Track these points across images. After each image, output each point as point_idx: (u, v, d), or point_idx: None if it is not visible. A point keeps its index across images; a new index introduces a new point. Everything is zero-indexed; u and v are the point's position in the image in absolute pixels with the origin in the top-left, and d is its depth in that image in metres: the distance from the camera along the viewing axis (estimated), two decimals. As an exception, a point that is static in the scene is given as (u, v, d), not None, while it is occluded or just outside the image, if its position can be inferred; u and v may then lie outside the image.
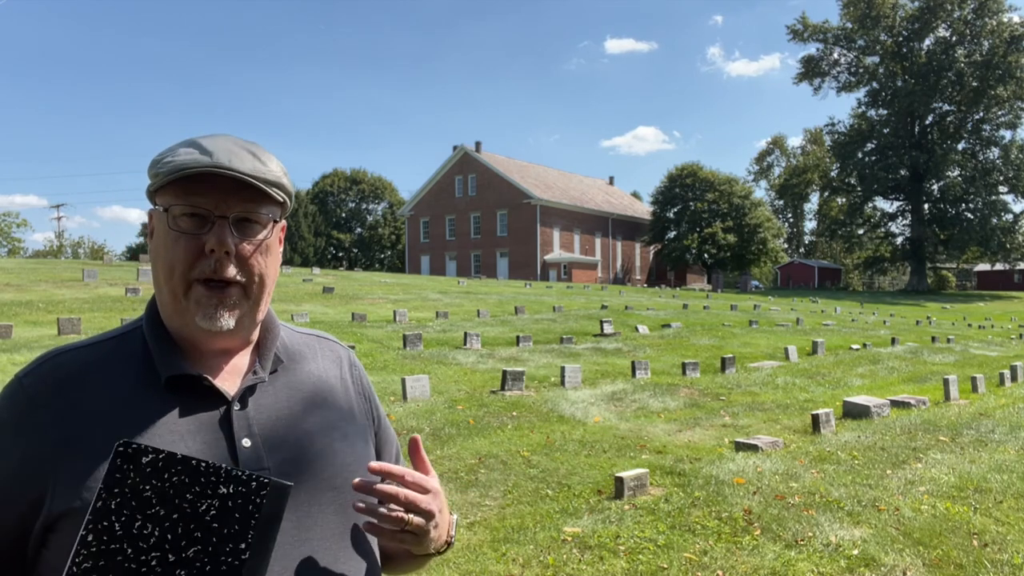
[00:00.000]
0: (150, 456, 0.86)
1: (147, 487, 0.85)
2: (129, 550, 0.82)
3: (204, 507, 0.84)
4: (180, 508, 0.84)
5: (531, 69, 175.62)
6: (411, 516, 1.01)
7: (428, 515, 1.03)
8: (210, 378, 1.05)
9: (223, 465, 0.87)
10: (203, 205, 1.01)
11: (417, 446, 1.09)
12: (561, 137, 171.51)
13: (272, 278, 1.09)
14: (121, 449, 0.86)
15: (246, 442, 1.02)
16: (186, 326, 1.05)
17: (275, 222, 1.08)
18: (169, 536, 0.83)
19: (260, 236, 1.05)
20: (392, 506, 1.00)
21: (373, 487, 1.00)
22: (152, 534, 0.83)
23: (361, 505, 1.00)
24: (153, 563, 0.82)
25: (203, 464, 0.86)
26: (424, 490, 1.04)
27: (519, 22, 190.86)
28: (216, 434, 1.02)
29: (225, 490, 0.85)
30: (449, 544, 1.16)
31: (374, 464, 1.01)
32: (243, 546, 0.83)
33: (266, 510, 0.85)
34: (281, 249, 1.14)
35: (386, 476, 1.02)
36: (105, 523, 0.83)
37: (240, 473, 0.86)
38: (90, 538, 0.82)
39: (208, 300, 1.02)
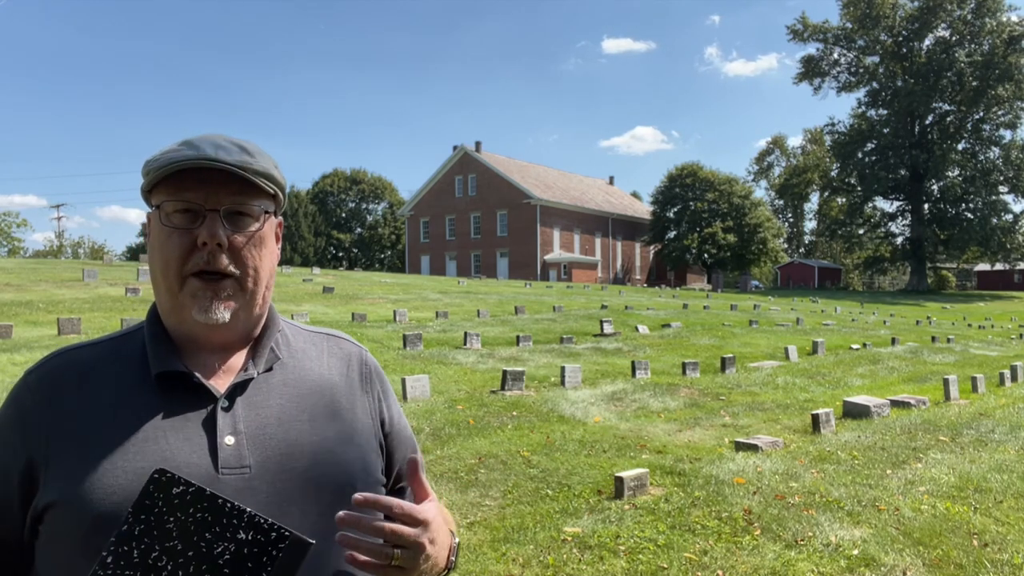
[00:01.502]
0: (181, 488, 0.84)
1: (171, 519, 0.83)
2: None
3: (220, 550, 0.82)
4: (196, 546, 0.83)
5: (529, 69, 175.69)
6: (397, 551, 0.94)
7: (418, 548, 0.95)
8: (200, 375, 1.04)
9: (247, 509, 0.84)
10: (194, 199, 1.02)
11: (415, 469, 1.02)
12: (560, 137, 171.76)
13: (267, 271, 1.09)
14: (156, 476, 0.85)
15: (229, 440, 1.02)
16: (183, 322, 1.06)
17: (267, 214, 1.08)
18: (180, 573, 0.82)
19: (252, 228, 1.06)
20: (377, 540, 0.94)
21: (359, 522, 0.92)
22: (165, 567, 0.82)
23: (348, 535, 0.93)
24: None
25: (228, 504, 0.84)
26: (415, 522, 0.95)
27: (517, 22, 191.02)
28: (199, 431, 1.02)
29: (244, 536, 0.83)
30: (449, 569, 1.08)
31: (359, 496, 0.93)
32: None
33: (281, 563, 0.82)
34: (279, 247, 1.14)
35: (374, 508, 0.94)
36: (125, 548, 0.82)
37: (262, 521, 0.83)
38: (109, 560, 0.82)
39: (203, 292, 1.02)
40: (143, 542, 0.83)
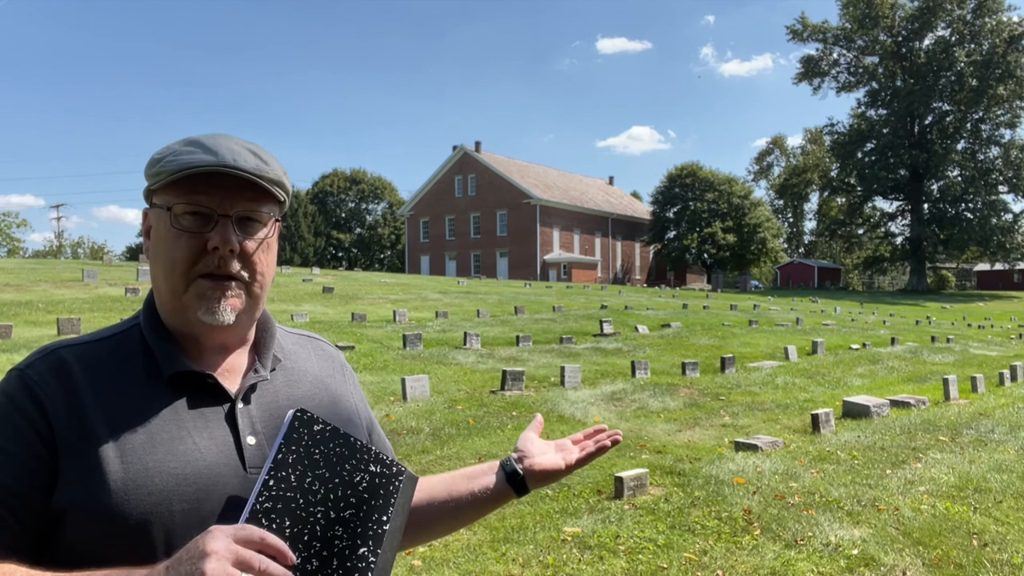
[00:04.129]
0: (320, 425, 1.00)
1: (316, 451, 0.98)
2: (300, 500, 0.94)
3: (358, 479, 0.98)
4: (340, 475, 0.97)
5: (525, 70, 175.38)
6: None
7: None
8: (214, 375, 1.05)
9: (372, 447, 1.02)
10: (206, 204, 1.02)
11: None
12: (556, 137, 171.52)
13: (270, 276, 1.11)
14: (298, 414, 1.00)
15: (251, 440, 1.03)
16: (187, 323, 1.06)
17: (275, 220, 1.10)
18: (331, 496, 0.96)
19: (261, 234, 1.07)
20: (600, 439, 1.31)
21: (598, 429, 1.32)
22: (319, 491, 0.95)
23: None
24: (318, 515, 0.94)
25: (359, 442, 1.01)
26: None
27: (512, 23, 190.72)
28: (223, 430, 1.03)
29: (374, 468, 1.00)
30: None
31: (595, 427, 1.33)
32: (384, 518, 0.98)
33: (403, 493, 1.02)
34: (276, 248, 1.15)
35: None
36: (283, 473, 0.95)
37: (385, 458, 1.02)
38: (271, 483, 0.94)
39: (211, 293, 1.03)
40: (297, 469, 0.96)
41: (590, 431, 1.32)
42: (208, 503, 0.97)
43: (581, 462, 1.29)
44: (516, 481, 1.26)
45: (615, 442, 1.30)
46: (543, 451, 1.29)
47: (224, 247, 1.02)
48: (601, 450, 1.29)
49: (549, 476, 1.27)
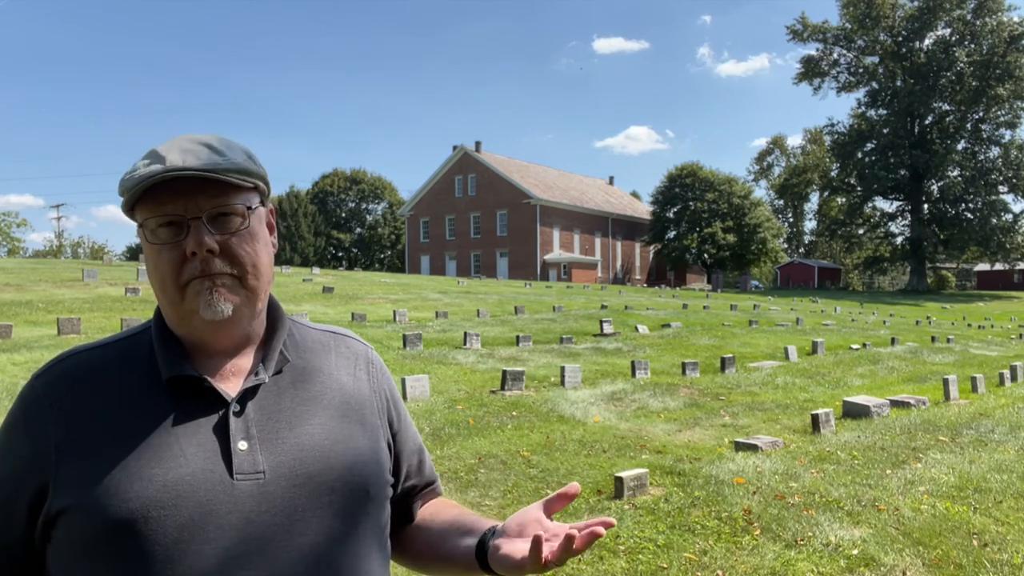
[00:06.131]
0: None
1: None
2: None
3: None
4: None
5: (524, 69, 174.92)
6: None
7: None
8: (210, 379, 1.04)
9: None
10: (174, 211, 1.01)
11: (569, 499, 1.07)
12: (555, 137, 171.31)
13: (265, 264, 1.07)
14: None
15: (242, 445, 1.01)
16: (193, 329, 1.05)
17: (251, 209, 1.06)
18: None
19: (238, 227, 1.04)
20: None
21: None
22: None
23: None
24: None
25: None
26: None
27: (509, 23, 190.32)
28: (211, 436, 1.01)
29: None
30: None
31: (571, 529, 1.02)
32: None
33: None
34: (274, 237, 1.12)
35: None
36: None
37: None
38: None
39: (203, 286, 1.02)
40: None
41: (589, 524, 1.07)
42: (185, 510, 0.95)
43: (548, 563, 1.01)
44: (481, 554, 1.11)
45: (592, 535, 0.99)
46: (521, 536, 1.06)
47: (200, 250, 1.00)
48: (568, 540, 0.99)
49: (511, 568, 1.04)
